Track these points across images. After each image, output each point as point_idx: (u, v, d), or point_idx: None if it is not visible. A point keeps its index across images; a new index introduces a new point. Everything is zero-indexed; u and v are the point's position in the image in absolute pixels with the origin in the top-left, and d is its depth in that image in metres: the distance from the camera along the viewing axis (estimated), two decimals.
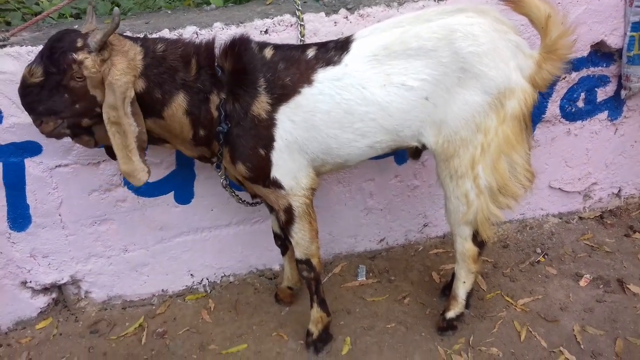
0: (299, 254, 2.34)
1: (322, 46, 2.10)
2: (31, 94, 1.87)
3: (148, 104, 1.97)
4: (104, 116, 1.88)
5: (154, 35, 2.31)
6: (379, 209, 2.99)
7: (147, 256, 2.79)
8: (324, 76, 2.03)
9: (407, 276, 2.97)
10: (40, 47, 2.22)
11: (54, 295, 2.81)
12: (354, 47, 2.05)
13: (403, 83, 2.01)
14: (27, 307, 2.75)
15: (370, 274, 3.00)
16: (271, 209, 2.60)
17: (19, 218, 2.52)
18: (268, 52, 2.07)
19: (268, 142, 2.07)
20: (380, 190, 2.93)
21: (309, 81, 2.03)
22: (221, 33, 2.33)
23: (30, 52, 2.23)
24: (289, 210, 2.22)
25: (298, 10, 2.39)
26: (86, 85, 1.87)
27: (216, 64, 2.04)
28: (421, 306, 2.77)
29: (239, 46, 2.05)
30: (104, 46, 1.86)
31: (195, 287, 2.95)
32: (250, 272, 3.02)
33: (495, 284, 2.86)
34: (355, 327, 2.67)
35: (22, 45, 2.24)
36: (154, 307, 2.88)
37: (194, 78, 2.01)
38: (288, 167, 2.13)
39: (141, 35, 2.31)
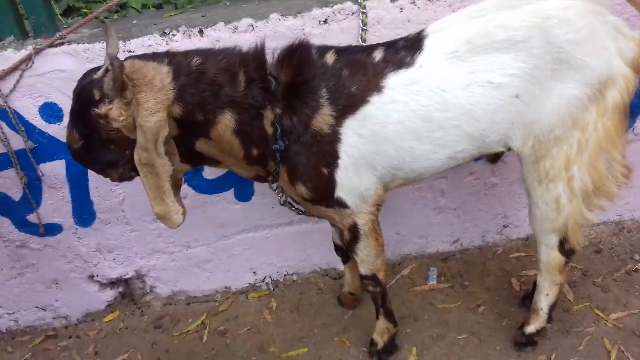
0: (364, 270, 2.17)
1: (390, 46, 1.87)
2: (82, 157, 1.80)
3: (192, 127, 1.80)
4: (135, 157, 1.70)
5: (209, 31, 2.23)
6: (452, 209, 2.77)
7: (209, 253, 2.76)
8: (395, 81, 1.80)
9: (483, 282, 2.73)
10: (98, 45, 2.23)
11: (121, 289, 2.86)
12: (428, 44, 1.81)
13: (490, 81, 1.77)
14: (95, 300, 2.82)
15: (442, 278, 2.80)
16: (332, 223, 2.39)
17: (84, 214, 2.56)
18: (330, 58, 1.85)
19: (332, 159, 1.87)
20: (454, 188, 2.71)
21: (378, 88, 1.81)
22: (278, 25, 2.21)
23: (87, 50, 2.22)
24: (354, 229, 2.03)
25: None
26: (124, 134, 1.72)
27: (268, 74, 1.83)
28: (497, 316, 2.54)
29: (298, 54, 1.83)
30: (123, 87, 1.66)
31: (258, 284, 2.89)
32: (314, 272, 2.91)
33: (585, 295, 2.56)
34: (423, 337, 2.49)
35: (79, 43, 2.24)
36: (217, 304, 2.86)
37: (243, 94, 1.79)
38: (354, 186, 1.92)
39: (196, 30, 2.24)
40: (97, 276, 2.75)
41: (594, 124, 1.82)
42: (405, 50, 1.83)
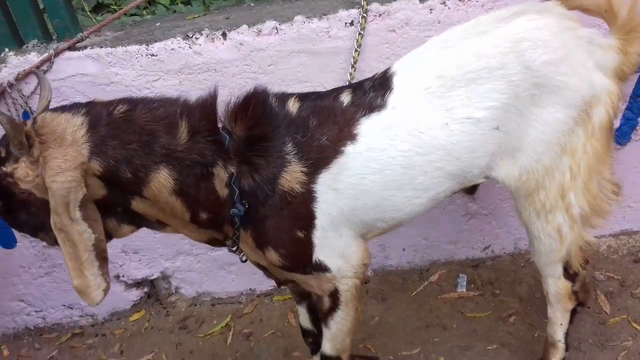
0: (329, 349, 1.93)
1: (357, 87, 1.72)
2: (7, 219, 1.63)
3: (119, 185, 1.55)
4: (50, 220, 1.49)
5: (232, 34, 2.19)
6: (483, 214, 2.68)
7: (233, 255, 2.72)
8: (369, 127, 1.63)
9: (515, 290, 2.64)
10: (120, 49, 2.21)
11: (146, 289, 2.87)
12: (396, 82, 1.66)
13: (468, 116, 1.63)
14: (121, 300, 2.84)
15: (472, 285, 2.72)
16: (300, 299, 2.12)
17: None
18: (293, 106, 1.66)
19: (307, 221, 1.66)
20: (484, 193, 2.61)
21: (352, 136, 1.62)
22: (302, 27, 2.14)
23: (109, 54, 2.21)
24: (334, 295, 1.80)
25: None
26: (37, 195, 1.52)
27: (221, 127, 1.61)
28: (529, 327, 2.45)
29: (254, 105, 1.61)
30: (28, 144, 1.46)
31: (282, 288, 2.86)
32: None
33: (622, 307, 2.45)
34: (451, 346, 2.43)
35: (101, 47, 2.23)
36: (241, 306, 2.85)
37: (184, 147, 1.54)
38: (334, 246, 1.72)
39: (219, 33, 2.19)
40: (123, 276, 2.76)
41: (582, 146, 1.71)
42: (374, 90, 1.68)
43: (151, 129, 1.52)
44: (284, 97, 1.69)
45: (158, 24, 2.36)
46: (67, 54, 2.21)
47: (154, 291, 2.88)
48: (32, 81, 2.23)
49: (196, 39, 2.20)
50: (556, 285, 2.00)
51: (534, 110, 1.65)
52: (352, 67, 2.19)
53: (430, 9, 2.14)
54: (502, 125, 1.66)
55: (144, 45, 2.20)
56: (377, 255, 2.79)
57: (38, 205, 1.54)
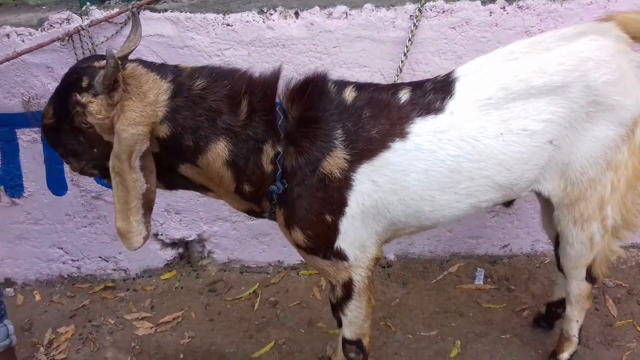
0: (349, 333, 1.97)
1: (417, 87, 1.75)
2: (49, 135, 1.69)
3: (177, 150, 1.66)
4: (110, 162, 1.59)
5: (304, 13, 2.33)
6: (507, 213, 2.84)
7: (268, 226, 2.86)
8: (422, 128, 1.67)
9: (529, 288, 2.80)
10: (199, 15, 2.36)
11: (180, 250, 2.98)
12: (459, 88, 1.71)
13: (524, 128, 1.69)
14: (155, 258, 2.94)
15: (489, 279, 2.87)
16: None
17: None
18: (349, 95, 1.71)
19: (338, 206, 1.70)
20: None
21: (402, 134, 1.67)
22: (371, 15, 2.30)
23: (188, 19, 2.35)
24: (348, 286, 1.85)
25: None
26: (96, 131, 1.61)
27: (278, 106, 1.70)
28: None
29: (312, 88, 1.68)
30: (113, 87, 1.55)
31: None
32: None
33: (628, 312, 2.62)
34: (467, 332, 2.57)
35: (181, 11, 2.36)
36: (268, 276, 2.97)
37: (242, 123, 1.65)
38: (357, 236, 1.77)
39: (292, 12, 2.34)
40: (161, 235, 2.87)
41: (625, 162, 1.81)
42: (434, 92, 1.71)
43: (219, 106, 1.63)
44: (342, 85, 1.74)
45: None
46: (148, 14, 2.35)
47: (186, 253, 2.99)
48: (105, 32, 2.37)
49: (270, 14, 2.35)
50: (578, 287, 2.14)
51: (587, 126, 1.73)
52: (404, 55, 2.35)
53: (490, 12, 2.32)
54: (556, 138, 1.73)
55: (220, 15, 2.35)
56: (403, 241, 2.93)
57: (91, 139, 1.63)
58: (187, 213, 2.81)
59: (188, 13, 2.35)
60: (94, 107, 1.55)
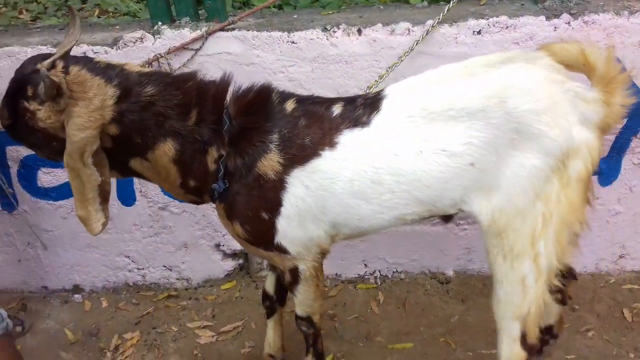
0: (300, 311, 2.12)
1: (349, 102, 1.84)
2: (10, 132, 1.77)
3: (127, 146, 1.77)
4: (64, 159, 1.68)
5: (367, 30, 2.39)
6: None
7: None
8: (350, 139, 1.77)
9: (593, 308, 2.73)
10: (265, 33, 2.44)
11: (240, 261, 3.04)
12: (385, 106, 1.78)
13: (443, 149, 1.72)
14: (216, 268, 3.02)
15: None
16: (274, 267, 2.27)
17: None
18: (289, 105, 1.84)
19: (274, 206, 1.82)
20: None
21: (331, 143, 1.77)
22: (433, 31, 2.33)
23: (255, 37, 2.43)
24: (294, 272, 1.98)
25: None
26: (49, 131, 1.69)
27: (224, 111, 1.82)
28: (607, 343, 2.54)
29: (256, 97, 1.82)
30: (57, 94, 1.61)
31: (367, 277, 3.01)
32: (422, 273, 2.99)
33: None
34: None
35: (248, 30, 2.45)
36: (326, 289, 2.99)
37: (190, 128, 1.78)
38: (297, 236, 1.88)
39: (354, 29, 2.39)
40: (223, 245, 2.94)
41: (556, 195, 1.73)
42: (363, 108, 1.80)
43: (168, 113, 1.74)
44: (285, 96, 1.87)
45: (295, 16, 2.59)
46: (216, 32, 2.45)
47: (246, 264, 3.06)
48: (184, 56, 2.48)
49: (334, 32, 2.41)
50: (510, 350, 1.90)
51: (513, 152, 1.70)
52: None
53: (555, 27, 2.31)
54: (478, 162, 1.73)
55: (285, 33, 2.42)
56: (461, 257, 2.92)
57: (48, 136, 1.71)
58: None
59: (255, 31, 2.44)
60: (43, 113, 1.64)
